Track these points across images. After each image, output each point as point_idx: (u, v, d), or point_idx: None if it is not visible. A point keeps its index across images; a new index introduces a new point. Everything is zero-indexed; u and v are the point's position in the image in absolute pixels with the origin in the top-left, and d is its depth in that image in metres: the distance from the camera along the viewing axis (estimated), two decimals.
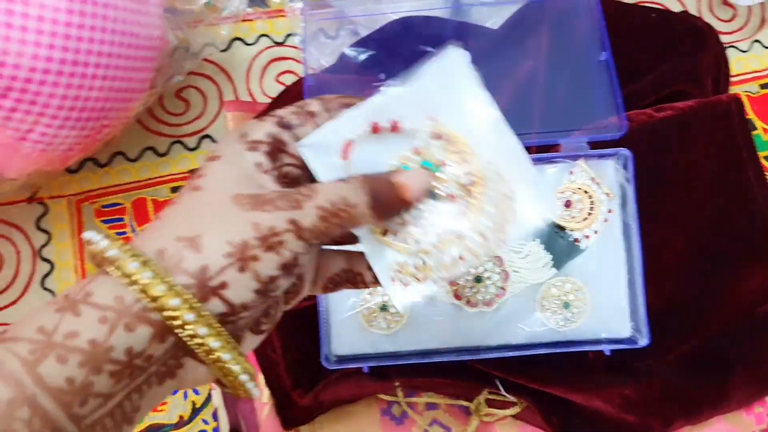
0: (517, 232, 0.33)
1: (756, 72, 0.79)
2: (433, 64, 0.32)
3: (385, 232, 0.33)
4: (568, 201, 0.57)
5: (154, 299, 0.26)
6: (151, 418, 0.67)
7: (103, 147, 0.71)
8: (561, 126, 0.61)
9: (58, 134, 0.57)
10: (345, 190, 0.29)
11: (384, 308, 0.58)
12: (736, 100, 0.65)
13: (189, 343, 0.27)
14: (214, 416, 0.66)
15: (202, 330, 0.26)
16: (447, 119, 0.33)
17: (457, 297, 0.58)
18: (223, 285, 0.27)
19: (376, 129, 0.32)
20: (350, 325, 0.58)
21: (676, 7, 0.79)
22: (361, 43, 0.70)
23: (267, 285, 0.28)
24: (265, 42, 0.76)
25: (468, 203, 0.33)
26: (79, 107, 0.56)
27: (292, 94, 0.65)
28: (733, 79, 0.77)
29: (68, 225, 0.70)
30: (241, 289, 0.27)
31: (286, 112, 0.31)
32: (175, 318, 0.26)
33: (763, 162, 0.76)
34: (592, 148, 0.60)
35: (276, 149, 0.30)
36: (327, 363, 0.57)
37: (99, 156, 0.72)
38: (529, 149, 0.61)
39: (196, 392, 0.67)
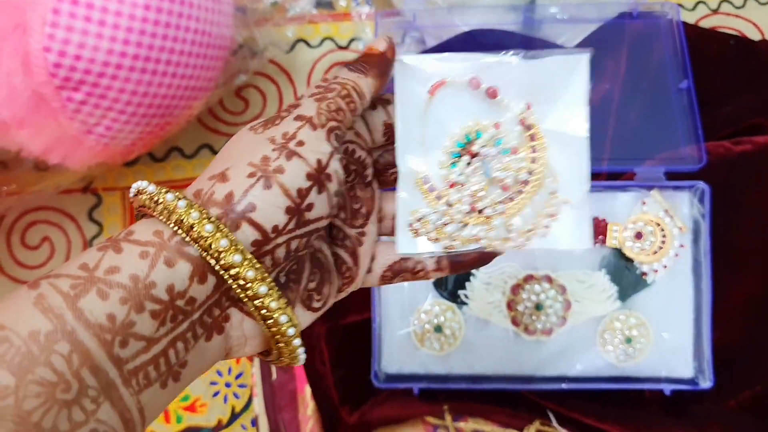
0: (540, 245, 0.33)
1: None
2: (559, 55, 0.33)
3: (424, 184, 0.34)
4: (639, 232, 0.55)
5: (190, 229, 0.26)
6: (189, 419, 0.66)
7: (161, 142, 0.71)
8: (635, 153, 0.59)
9: (123, 129, 0.56)
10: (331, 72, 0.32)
11: (438, 329, 0.56)
12: None
13: (230, 283, 0.26)
14: (253, 423, 0.65)
15: (236, 257, 0.26)
16: (540, 112, 0.33)
17: (515, 323, 0.56)
18: (250, 207, 0.27)
19: (474, 84, 0.33)
20: (402, 343, 0.57)
21: (753, 34, 0.76)
22: (426, 53, 0.68)
23: (298, 202, 0.27)
24: (328, 45, 0.75)
25: (514, 197, 0.33)
26: (146, 104, 0.55)
27: None
28: None
29: (121, 218, 0.70)
30: (269, 207, 0.27)
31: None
32: (209, 248, 0.26)
33: None
34: (667, 179, 0.57)
35: None
36: (376, 381, 0.55)
37: (155, 150, 0.71)
38: (600, 175, 0.59)
39: (237, 396, 0.66)
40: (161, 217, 0.26)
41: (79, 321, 0.23)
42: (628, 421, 0.55)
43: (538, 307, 0.56)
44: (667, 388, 0.55)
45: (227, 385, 0.67)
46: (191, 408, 0.66)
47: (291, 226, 0.27)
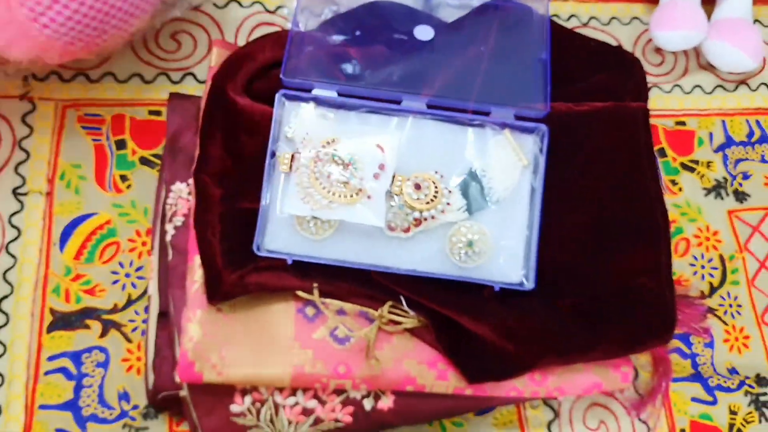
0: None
1: (673, 110, 0.91)
2: None
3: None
4: (417, 184, 0.66)
5: None
6: (88, 301, 0.73)
7: (96, 65, 0.80)
8: (495, 99, 0.72)
9: (65, 24, 0.66)
10: None
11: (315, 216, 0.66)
12: (644, 110, 0.77)
13: None
14: (146, 310, 0.73)
15: None
16: None
17: None
18: None
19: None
20: (285, 225, 0.66)
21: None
22: (334, 21, 0.80)
23: None
24: (257, 7, 0.87)
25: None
26: (89, 3, 0.65)
27: (271, 39, 0.75)
28: (652, 113, 0.89)
29: (51, 124, 0.78)
30: None
31: None
32: None
33: (667, 183, 0.87)
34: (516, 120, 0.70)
35: None
36: (257, 251, 0.64)
37: (91, 73, 0.81)
38: (466, 111, 0.71)
39: (134, 286, 0.74)
40: None
41: None
42: (466, 308, 0.65)
43: (401, 207, 0.67)
44: (497, 285, 0.66)
45: (127, 275, 0.74)
46: (91, 292, 0.73)
47: None
